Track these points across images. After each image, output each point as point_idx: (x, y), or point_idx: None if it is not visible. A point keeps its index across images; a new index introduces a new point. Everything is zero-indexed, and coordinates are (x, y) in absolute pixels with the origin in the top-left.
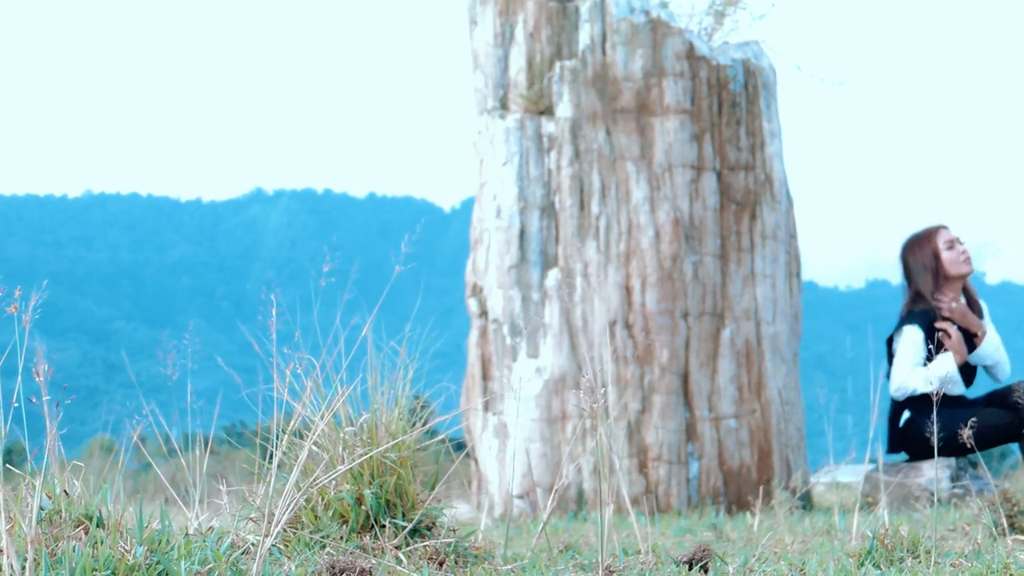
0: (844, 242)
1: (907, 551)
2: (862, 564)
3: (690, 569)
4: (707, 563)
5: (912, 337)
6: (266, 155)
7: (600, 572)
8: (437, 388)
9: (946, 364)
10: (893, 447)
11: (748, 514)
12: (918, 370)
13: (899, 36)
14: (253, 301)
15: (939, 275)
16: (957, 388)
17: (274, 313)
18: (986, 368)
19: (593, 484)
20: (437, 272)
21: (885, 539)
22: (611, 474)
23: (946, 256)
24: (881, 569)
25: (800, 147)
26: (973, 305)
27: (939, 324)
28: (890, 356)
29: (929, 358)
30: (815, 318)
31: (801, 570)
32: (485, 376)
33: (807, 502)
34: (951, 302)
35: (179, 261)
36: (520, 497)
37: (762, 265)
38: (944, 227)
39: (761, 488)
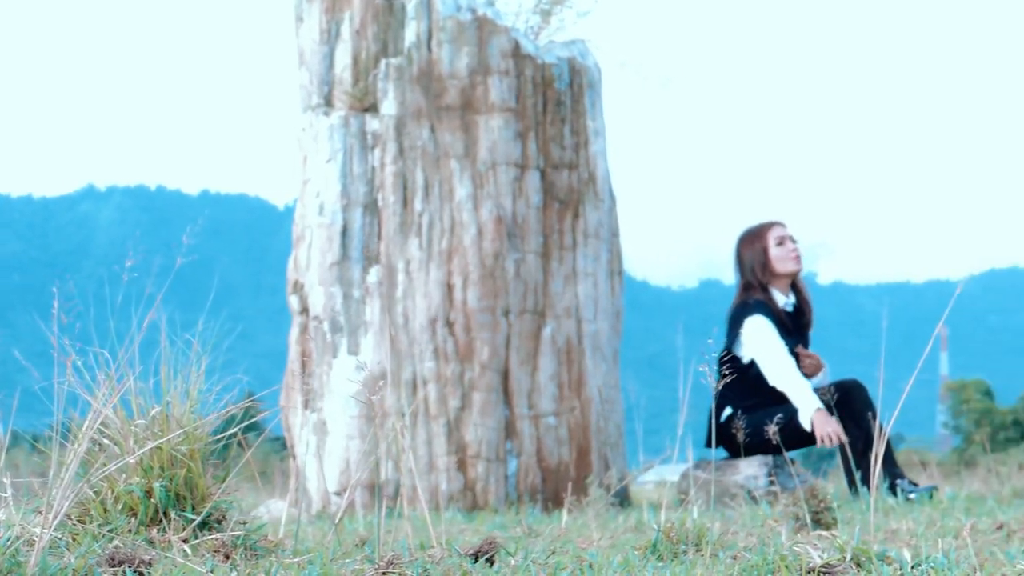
0: (677, 242)
1: (691, 544)
2: (646, 557)
3: (475, 561)
4: (493, 556)
5: (764, 326)
6: (99, 151)
7: (379, 564)
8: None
9: (808, 404)
10: (709, 442)
11: (565, 511)
12: (793, 379)
13: (726, 34)
14: (84, 298)
15: (767, 270)
16: (804, 420)
17: (55, 307)
18: None
19: (411, 481)
20: (270, 270)
21: (670, 532)
22: (429, 471)
23: (774, 252)
24: (664, 561)
25: (633, 146)
26: (803, 303)
27: (804, 353)
28: (730, 343)
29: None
30: (648, 317)
31: (587, 563)
32: (305, 373)
33: (624, 499)
34: (806, 359)
35: (8, 258)
36: (338, 494)
37: (584, 263)
38: (779, 224)
39: (577, 485)
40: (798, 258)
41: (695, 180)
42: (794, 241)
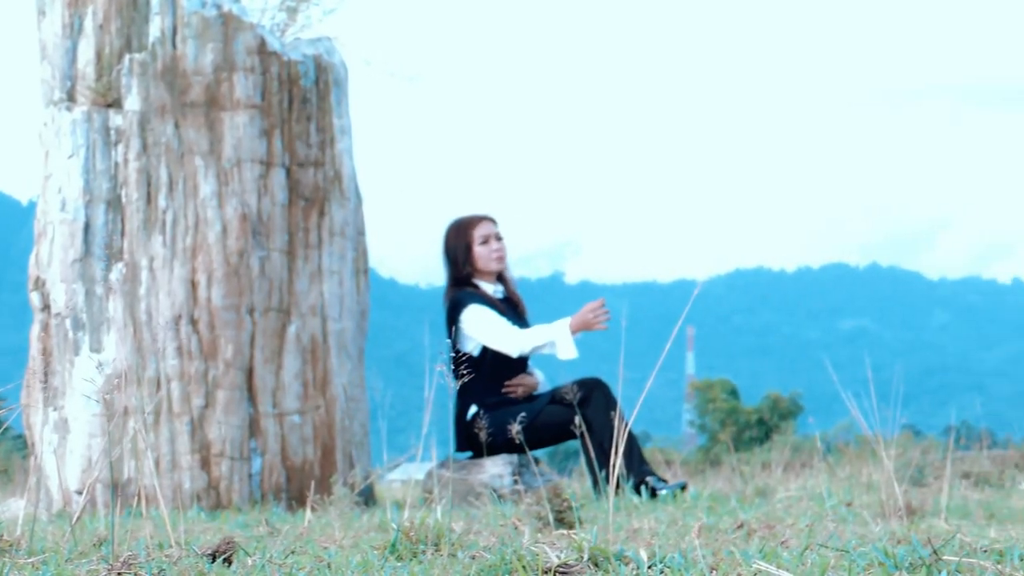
0: (425, 240)
1: (431, 544)
2: (385, 557)
3: (212, 561)
4: (231, 555)
5: (479, 311)
6: None
7: (114, 564)
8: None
9: (562, 327)
10: (461, 445)
11: (309, 509)
12: (533, 329)
13: (474, 30)
14: None
15: (470, 266)
16: (569, 351)
17: None
18: None
19: (154, 480)
20: (12, 266)
21: (410, 532)
22: (172, 469)
23: (478, 250)
24: (403, 561)
25: (381, 144)
26: (512, 295)
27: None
28: (455, 340)
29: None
30: (396, 316)
31: (326, 562)
32: (47, 370)
33: (370, 498)
34: (518, 386)
35: None
36: (79, 492)
37: (329, 262)
38: (488, 219)
39: (322, 484)
40: (502, 258)
41: (442, 178)
42: (499, 239)
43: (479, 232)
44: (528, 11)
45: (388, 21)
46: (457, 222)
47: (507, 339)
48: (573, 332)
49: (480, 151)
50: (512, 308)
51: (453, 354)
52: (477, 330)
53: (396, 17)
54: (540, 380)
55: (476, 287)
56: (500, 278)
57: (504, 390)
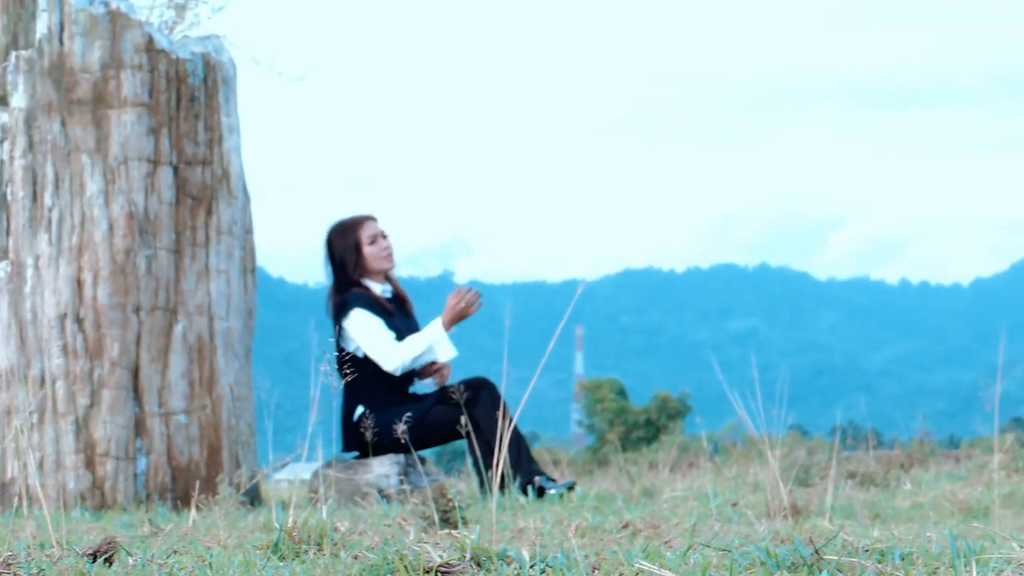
0: (314, 239)
1: (314, 544)
2: (267, 556)
3: (93, 562)
4: (112, 555)
5: (367, 318)
6: None
7: None
8: None
9: (437, 331)
10: (348, 445)
11: (194, 509)
12: (411, 338)
13: (364, 29)
14: None
15: (359, 267)
16: (449, 351)
17: None
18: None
19: (39, 479)
20: None
21: (293, 532)
22: (57, 469)
23: (368, 250)
24: (285, 560)
25: (269, 143)
26: (399, 293)
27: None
28: (339, 340)
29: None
30: (284, 315)
31: (208, 562)
32: None
33: (256, 498)
34: (441, 371)
35: None
36: None
37: (217, 260)
38: (371, 219)
39: (207, 483)
40: (390, 256)
41: (331, 177)
42: (385, 237)
43: (366, 232)
44: (417, 10)
45: (277, 19)
46: (340, 224)
47: (387, 356)
48: (447, 328)
49: (369, 149)
50: (400, 307)
51: (338, 353)
52: (360, 338)
53: (285, 15)
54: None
55: (366, 288)
56: (387, 277)
57: (419, 379)
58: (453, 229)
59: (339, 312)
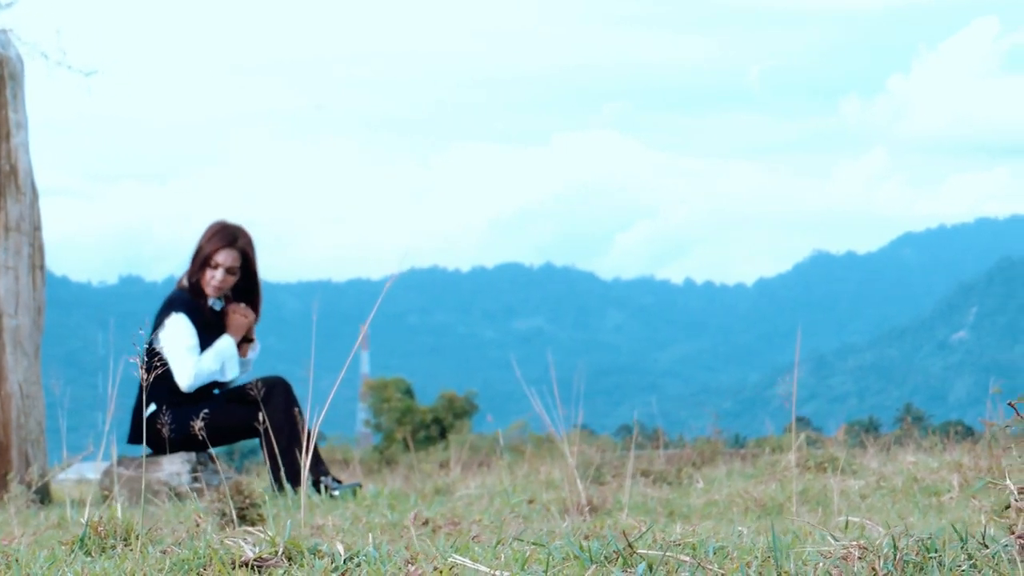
0: (100, 238)
1: (120, 539)
2: (74, 551)
3: None
4: None
5: (181, 328)
6: None
7: None
8: None
9: (226, 342)
10: (134, 438)
11: None
12: (204, 355)
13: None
14: None
15: (199, 276)
16: (233, 370)
17: None
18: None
19: None
20: None
21: (99, 527)
22: None
23: (207, 271)
24: (92, 556)
25: (57, 139)
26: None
27: (233, 307)
28: (152, 337)
29: (203, 338)
30: (68, 314)
31: (13, 558)
32: None
33: (45, 496)
34: (241, 305)
35: None
36: None
37: (4, 257)
38: (235, 249)
39: None
40: (216, 289)
41: (116, 174)
42: (231, 273)
43: (219, 257)
44: (208, 7)
45: (67, 14)
46: (217, 230)
47: (181, 372)
48: (231, 338)
49: (155, 145)
50: (223, 323)
51: (147, 346)
52: (166, 345)
53: (76, 10)
54: (256, 345)
55: (200, 294)
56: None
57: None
58: (277, 225)
59: (163, 309)
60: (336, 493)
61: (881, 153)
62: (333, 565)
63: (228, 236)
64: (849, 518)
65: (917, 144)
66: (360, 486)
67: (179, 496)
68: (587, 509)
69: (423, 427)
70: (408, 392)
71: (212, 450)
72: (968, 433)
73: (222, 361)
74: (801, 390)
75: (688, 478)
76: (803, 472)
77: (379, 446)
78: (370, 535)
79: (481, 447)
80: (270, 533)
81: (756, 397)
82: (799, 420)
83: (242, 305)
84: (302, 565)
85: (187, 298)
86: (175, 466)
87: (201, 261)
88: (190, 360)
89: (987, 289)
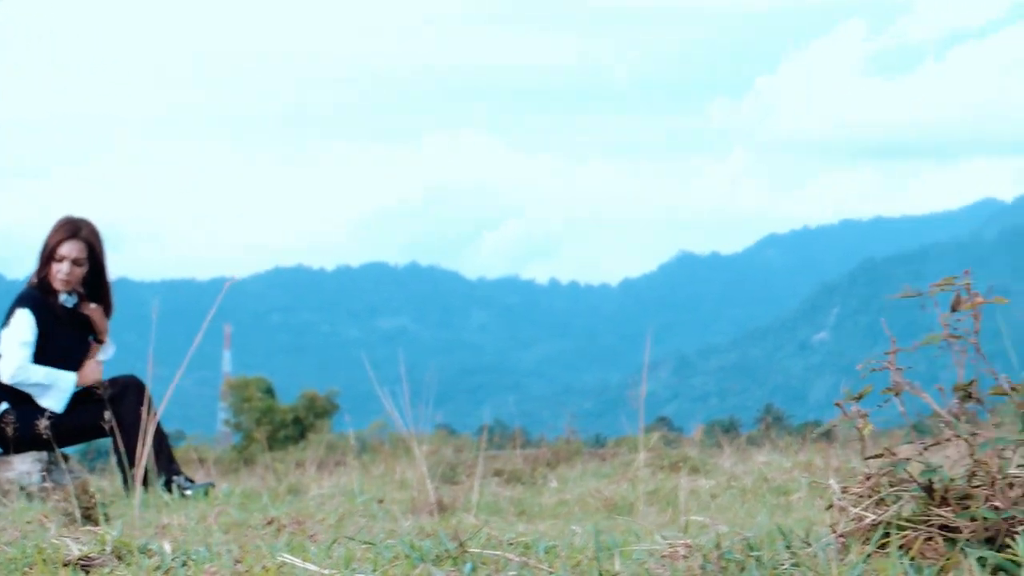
0: None
1: None
2: None
3: None
4: None
5: (22, 323)
6: None
7: None
8: None
9: (67, 380)
10: None
11: None
12: (39, 367)
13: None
14: None
15: (47, 271)
16: (56, 404)
17: None
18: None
19: None
20: None
21: None
22: None
23: (53, 264)
24: None
25: None
26: (82, 313)
27: (88, 310)
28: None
29: (43, 339)
30: None
31: None
32: None
33: None
34: (91, 303)
35: None
36: None
37: None
38: (79, 240)
39: None
40: (67, 283)
41: None
42: (77, 264)
43: (63, 249)
44: (82, 5)
45: None
46: (61, 224)
47: (6, 365)
48: (77, 386)
49: (20, 143)
50: (76, 320)
51: None
52: (4, 336)
53: None
54: (110, 346)
55: (49, 290)
56: (75, 290)
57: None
58: (101, 225)
59: (11, 306)
60: (188, 492)
61: (746, 153)
62: (159, 564)
63: (71, 228)
64: (693, 517)
65: (782, 145)
66: (213, 485)
67: (29, 496)
68: (436, 509)
69: (283, 426)
70: (269, 391)
71: (65, 450)
72: (825, 433)
73: (50, 386)
74: (663, 390)
75: (543, 478)
76: (654, 472)
77: (238, 445)
78: (210, 535)
79: (339, 447)
80: (106, 532)
81: (618, 397)
82: (660, 420)
83: (93, 305)
84: (130, 563)
85: (35, 294)
86: (25, 465)
87: (47, 255)
88: (19, 354)
89: (849, 290)
